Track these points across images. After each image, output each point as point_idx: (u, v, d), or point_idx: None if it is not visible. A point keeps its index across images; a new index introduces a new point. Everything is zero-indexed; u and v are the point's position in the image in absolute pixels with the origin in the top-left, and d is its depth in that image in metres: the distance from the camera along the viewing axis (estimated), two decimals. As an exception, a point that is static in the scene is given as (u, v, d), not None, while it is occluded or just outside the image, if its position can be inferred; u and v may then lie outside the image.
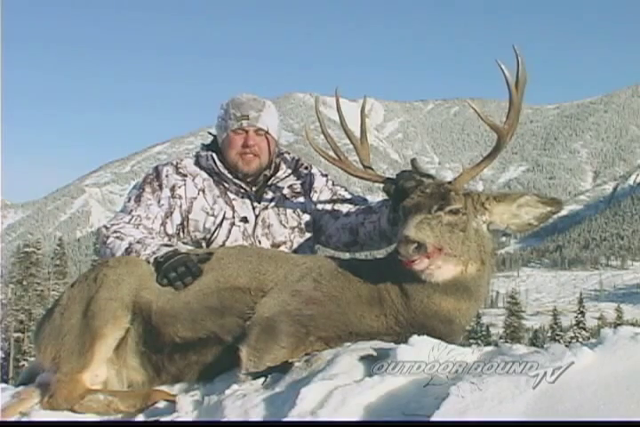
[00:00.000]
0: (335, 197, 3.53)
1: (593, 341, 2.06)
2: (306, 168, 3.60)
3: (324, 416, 1.94)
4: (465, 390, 1.76)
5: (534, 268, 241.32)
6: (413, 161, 3.21)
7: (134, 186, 3.51)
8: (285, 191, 3.51)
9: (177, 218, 3.38)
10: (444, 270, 2.71)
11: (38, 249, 33.15)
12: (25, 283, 31.97)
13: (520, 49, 2.73)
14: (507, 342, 31.46)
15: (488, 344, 26.13)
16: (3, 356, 31.14)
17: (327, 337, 2.77)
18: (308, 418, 1.96)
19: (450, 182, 2.88)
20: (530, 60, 2.77)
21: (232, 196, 3.44)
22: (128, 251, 3.12)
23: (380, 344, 2.61)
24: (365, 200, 3.55)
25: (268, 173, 3.50)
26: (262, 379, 2.54)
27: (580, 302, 44.61)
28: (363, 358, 2.35)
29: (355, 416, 1.94)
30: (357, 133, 3.16)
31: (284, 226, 3.45)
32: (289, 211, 3.48)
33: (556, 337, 39.28)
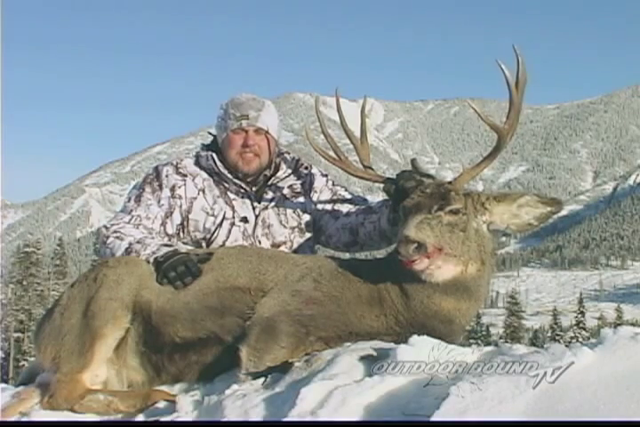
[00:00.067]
0: (335, 197, 3.53)
1: (593, 341, 2.06)
2: (306, 168, 3.60)
3: (323, 416, 1.94)
4: (465, 390, 1.76)
5: (534, 268, 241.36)
6: (413, 161, 3.21)
7: (134, 186, 3.52)
8: (285, 191, 3.51)
9: (177, 218, 3.38)
10: (444, 270, 2.71)
11: (38, 249, 33.16)
12: (25, 283, 31.97)
13: (520, 49, 2.73)
14: (507, 342, 31.46)
15: (488, 344, 26.13)
16: (3, 356, 31.14)
17: (327, 337, 2.77)
18: (308, 418, 1.96)
19: (450, 182, 2.88)
20: (530, 60, 2.78)
21: (232, 196, 3.44)
22: (128, 251, 3.12)
23: (379, 344, 2.61)
24: (365, 200, 3.55)
25: (268, 172, 3.50)
26: (262, 379, 2.54)
27: (580, 302, 44.62)
28: (363, 358, 2.35)
29: (355, 416, 1.94)
30: (357, 133, 3.16)
31: (284, 226, 3.45)
32: (289, 211, 3.48)
33: (556, 337, 39.27)
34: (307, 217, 3.50)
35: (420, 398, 1.94)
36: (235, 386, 2.49)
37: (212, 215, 3.38)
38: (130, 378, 2.97)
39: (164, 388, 2.92)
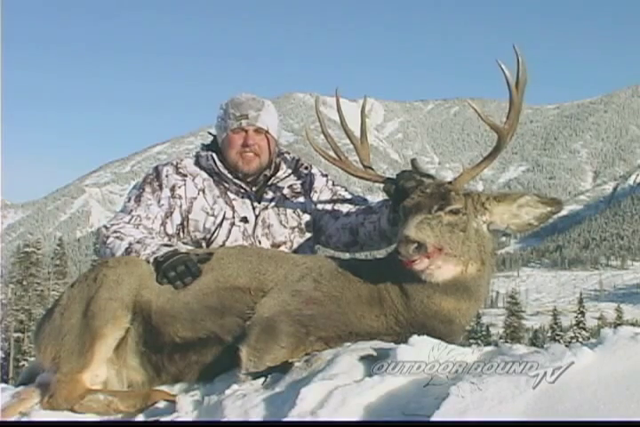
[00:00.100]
0: (335, 197, 3.53)
1: (593, 341, 2.06)
2: (306, 168, 3.60)
3: (323, 416, 1.94)
4: (465, 390, 1.76)
5: (534, 268, 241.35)
6: (413, 161, 3.21)
7: (134, 186, 3.52)
8: (285, 191, 3.51)
9: (177, 218, 3.38)
10: (444, 270, 2.71)
11: (38, 249, 33.16)
12: (25, 283, 31.97)
13: (520, 49, 2.73)
14: (507, 342, 31.46)
15: (488, 344, 26.13)
16: (3, 356, 31.14)
17: (327, 337, 2.77)
18: (308, 418, 1.96)
19: (450, 182, 2.88)
20: (530, 60, 2.78)
21: (232, 196, 3.44)
22: (128, 251, 3.12)
23: (380, 344, 2.61)
24: (365, 200, 3.55)
25: (268, 172, 3.50)
26: (262, 379, 2.54)
27: (580, 302, 44.62)
28: (363, 358, 2.35)
29: (355, 416, 1.94)
30: (357, 133, 3.16)
31: (284, 226, 3.45)
32: (289, 211, 3.48)
33: (556, 337, 39.27)
34: (307, 217, 3.50)
35: (419, 398, 1.94)
36: (235, 386, 2.49)
37: (212, 215, 3.38)
38: (130, 378, 2.97)
39: (164, 388, 2.92)
